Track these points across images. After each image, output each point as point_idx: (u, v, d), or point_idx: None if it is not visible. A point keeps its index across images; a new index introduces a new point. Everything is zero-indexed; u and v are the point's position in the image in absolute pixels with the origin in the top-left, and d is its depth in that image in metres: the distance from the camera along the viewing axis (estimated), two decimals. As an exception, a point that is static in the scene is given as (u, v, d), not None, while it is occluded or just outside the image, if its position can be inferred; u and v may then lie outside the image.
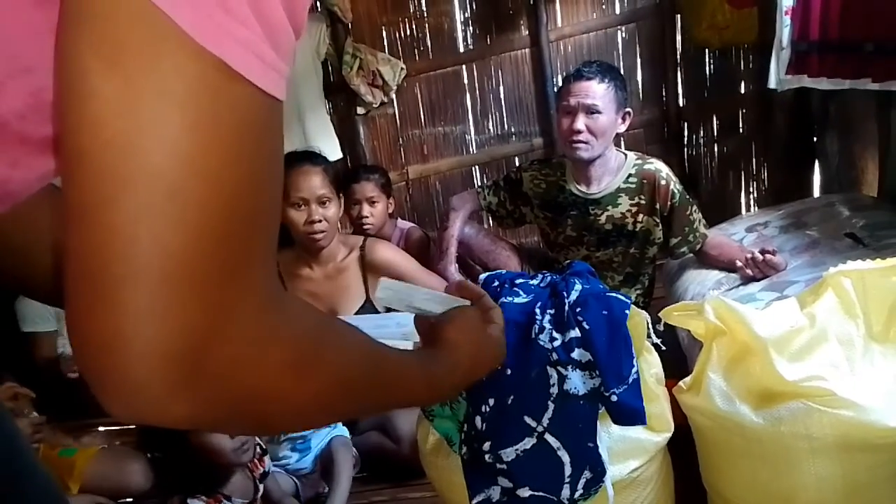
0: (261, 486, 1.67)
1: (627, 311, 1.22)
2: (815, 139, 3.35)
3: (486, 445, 1.18)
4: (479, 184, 3.69)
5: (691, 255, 2.37)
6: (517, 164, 3.16)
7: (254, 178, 0.41)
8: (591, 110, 2.19)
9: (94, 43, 0.37)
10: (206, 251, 0.39)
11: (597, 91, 2.19)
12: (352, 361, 0.56)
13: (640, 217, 2.31)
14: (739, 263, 2.14)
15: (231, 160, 0.39)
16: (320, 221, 2.17)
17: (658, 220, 2.30)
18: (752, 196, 3.83)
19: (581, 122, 2.20)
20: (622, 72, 2.50)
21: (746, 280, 2.12)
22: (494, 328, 0.93)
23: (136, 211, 0.37)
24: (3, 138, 0.46)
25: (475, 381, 0.90)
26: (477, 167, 3.95)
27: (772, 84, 2.60)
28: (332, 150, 3.69)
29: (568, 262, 1.46)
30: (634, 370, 1.19)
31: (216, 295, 0.40)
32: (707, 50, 3.61)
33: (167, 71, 0.37)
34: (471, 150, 3.93)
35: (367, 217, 2.97)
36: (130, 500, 2.15)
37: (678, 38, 3.63)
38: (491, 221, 3.19)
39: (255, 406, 0.46)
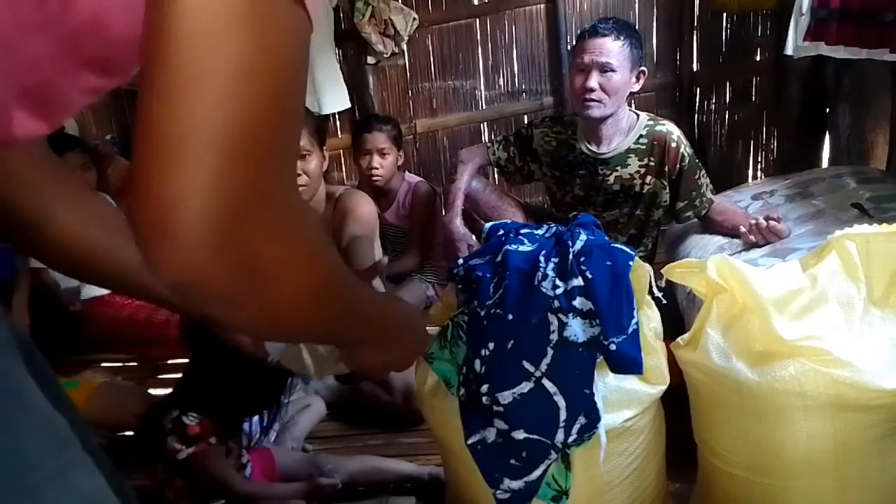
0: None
1: (631, 263, 1.23)
2: (827, 111, 3.32)
3: (484, 388, 1.21)
4: (488, 139, 3.68)
5: (695, 220, 2.38)
6: (526, 122, 3.14)
7: (299, 82, 0.52)
8: (604, 68, 2.16)
9: None
10: (264, 136, 0.48)
11: (612, 49, 2.17)
12: (339, 264, 0.63)
13: (649, 179, 2.30)
14: (743, 229, 2.14)
15: (289, 62, 0.49)
16: (300, 175, 2.11)
17: (666, 183, 2.30)
18: (759, 165, 3.81)
19: (594, 80, 2.17)
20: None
21: (749, 246, 2.13)
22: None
23: (218, 95, 0.46)
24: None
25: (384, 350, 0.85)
26: (485, 123, 3.92)
27: (788, 50, 2.57)
28: (341, 99, 3.66)
29: (574, 214, 1.46)
30: (634, 321, 1.21)
31: (264, 174, 0.49)
32: (725, 14, 3.56)
33: None
34: (480, 105, 3.89)
35: (376, 168, 2.95)
36: (130, 433, 2.19)
37: (696, 0, 3.58)
38: (498, 177, 3.18)
39: (274, 277, 0.52)
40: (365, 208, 2.33)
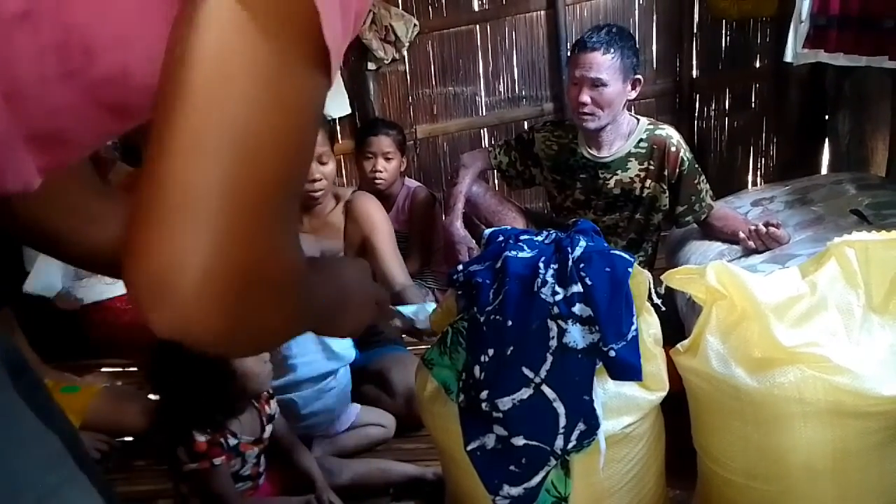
0: (267, 427, 1.71)
1: (630, 270, 1.23)
2: (826, 117, 3.33)
3: (484, 394, 1.21)
4: (489, 144, 3.69)
5: (694, 225, 2.38)
6: (526, 128, 3.14)
7: (310, 146, 0.51)
8: (595, 83, 2.17)
9: None
10: (272, 202, 0.47)
11: (601, 63, 2.17)
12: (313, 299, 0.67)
13: (648, 183, 2.31)
14: (742, 235, 2.15)
15: (303, 129, 0.49)
16: (320, 179, 2.20)
17: (665, 187, 2.30)
18: (759, 171, 3.81)
19: (586, 95, 2.19)
20: (637, 39, 2.47)
21: (749, 252, 2.13)
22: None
23: (229, 158, 0.45)
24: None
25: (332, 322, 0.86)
26: (486, 129, 3.92)
27: (788, 57, 2.58)
28: (341, 105, 3.66)
29: (574, 220, 1.47)
30: (634, 328, 1.21)
31: (267, 240, 0.48)
32: (724, 21, 3.56)
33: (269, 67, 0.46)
34: (480, 111, 3.89)
35: (380, 172, 2.97)
36: (130, 438, 2.19)
37: (696, 7, 3.59)
38: (499, 182, 3.19)
39: (264, 331, 0.54)
40: (379, 214, 2.38)
